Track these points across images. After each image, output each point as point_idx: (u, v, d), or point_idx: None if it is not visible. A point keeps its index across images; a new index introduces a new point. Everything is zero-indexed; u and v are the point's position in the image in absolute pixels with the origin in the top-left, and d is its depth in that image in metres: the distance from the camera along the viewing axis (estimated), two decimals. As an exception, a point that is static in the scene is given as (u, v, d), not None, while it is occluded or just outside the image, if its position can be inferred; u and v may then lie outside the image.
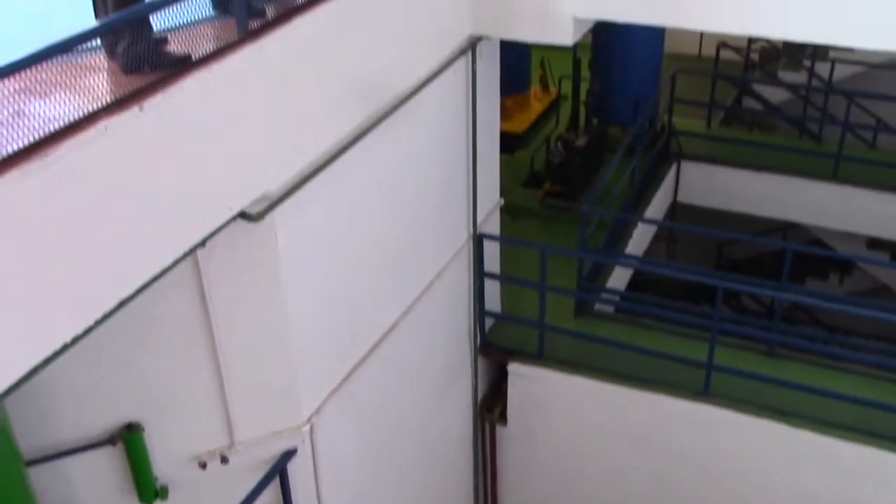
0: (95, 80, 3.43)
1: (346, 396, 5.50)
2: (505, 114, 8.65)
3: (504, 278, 7.60)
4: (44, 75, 3.17)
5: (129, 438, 4.70)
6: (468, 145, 6.41)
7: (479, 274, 7.03)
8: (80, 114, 3.16)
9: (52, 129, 3.06)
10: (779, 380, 6.82)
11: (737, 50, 11.88)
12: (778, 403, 6.75)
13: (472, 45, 5.99)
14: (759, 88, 12.41)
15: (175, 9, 3.63)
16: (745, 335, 7.41)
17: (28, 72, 3.00)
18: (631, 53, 9.97)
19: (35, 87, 3.21)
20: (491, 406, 7.68)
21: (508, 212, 8.33)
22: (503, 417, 7.64)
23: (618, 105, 10.15)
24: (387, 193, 5.51)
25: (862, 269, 12.98)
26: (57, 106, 3.19)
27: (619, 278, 8.78)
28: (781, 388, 6.78)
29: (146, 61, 3.47)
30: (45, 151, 2.98)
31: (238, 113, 3.90)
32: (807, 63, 12.00)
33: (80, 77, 3.40)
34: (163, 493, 4.92)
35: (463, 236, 6.75)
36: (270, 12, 4.12)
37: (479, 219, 6.80)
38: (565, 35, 5.70)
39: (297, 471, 5.27)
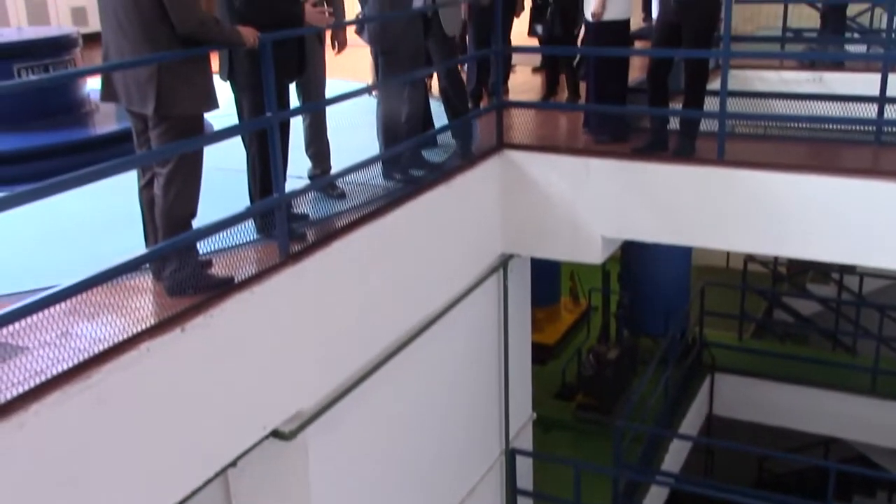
0: (140, 301, 3.56)
1: None
2: (536, 325, 8.73)
3: (538, 495, 7.36)
4: (92, 297, 3.32)
5: None
6: (500, 359, 6.43)
7: (513, 490, 6.84)
8: (124, 335, 3.25)
9: (95, 350, 3.14)
10: None
11: (764, 263, 12.05)
12: None
13: (503, 263, 6.15)
14: (789, 300, 12.47)
15: (221, 235, 3.81)
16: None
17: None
18: (659, 266, 10.18)
19: (83, 309, 3.37)
20: None
21: (540, 424, 8.20)
22: None
23: (648, 317, 10.24)
24: (418, 409, 5.47)
25: (911, 487, 12.41)
26: (102, 327, 3.31)
27: (656, 495, 8.45)
28: None
29: (190, 285, 3.59)
30: (87, 373, 3.04)
31: (277, 332, 3.97)
32: (835, 276, 12.12)
33: (126, 299, 3.55)
34: None
35: (496, 451, 6.63)
36: (311, 236, 4.29)
37: (512, 433, 6.70)
38: (594, 254, 5.83)
39: None
